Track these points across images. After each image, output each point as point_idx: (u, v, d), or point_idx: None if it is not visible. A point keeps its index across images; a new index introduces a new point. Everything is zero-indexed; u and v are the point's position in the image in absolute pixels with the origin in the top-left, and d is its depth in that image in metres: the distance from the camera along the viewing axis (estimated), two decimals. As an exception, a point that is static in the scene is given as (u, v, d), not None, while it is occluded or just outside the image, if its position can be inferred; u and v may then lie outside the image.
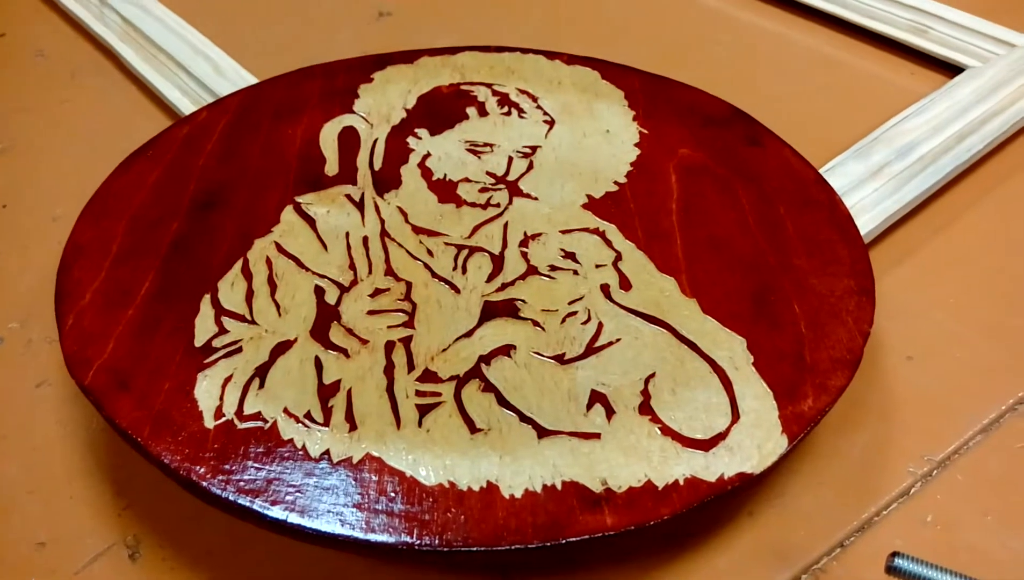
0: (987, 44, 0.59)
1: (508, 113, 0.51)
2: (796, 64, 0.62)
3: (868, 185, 0.49)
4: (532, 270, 0.42)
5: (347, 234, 0.44)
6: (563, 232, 0.44)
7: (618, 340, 0.39)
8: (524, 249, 0.43)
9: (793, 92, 0.59)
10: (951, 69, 0.59)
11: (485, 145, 0.49)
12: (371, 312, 0.40)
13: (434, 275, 0.42)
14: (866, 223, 0.47)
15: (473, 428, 0.35)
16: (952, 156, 0.51)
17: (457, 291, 0.41)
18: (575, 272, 0.42)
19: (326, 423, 0.35)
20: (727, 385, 0.37)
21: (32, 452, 0.41)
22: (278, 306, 0.40)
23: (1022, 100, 0.54)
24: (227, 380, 0.37)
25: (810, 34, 0.64)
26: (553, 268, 0.42)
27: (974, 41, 0.59)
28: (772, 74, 0.61)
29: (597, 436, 0.35)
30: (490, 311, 0.40)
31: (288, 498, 0.33)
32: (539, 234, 0.44)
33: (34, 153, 0.58)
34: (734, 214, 0.45)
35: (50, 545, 0.38)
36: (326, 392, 0.37)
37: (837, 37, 0.64)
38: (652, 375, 0.37)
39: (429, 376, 0.37)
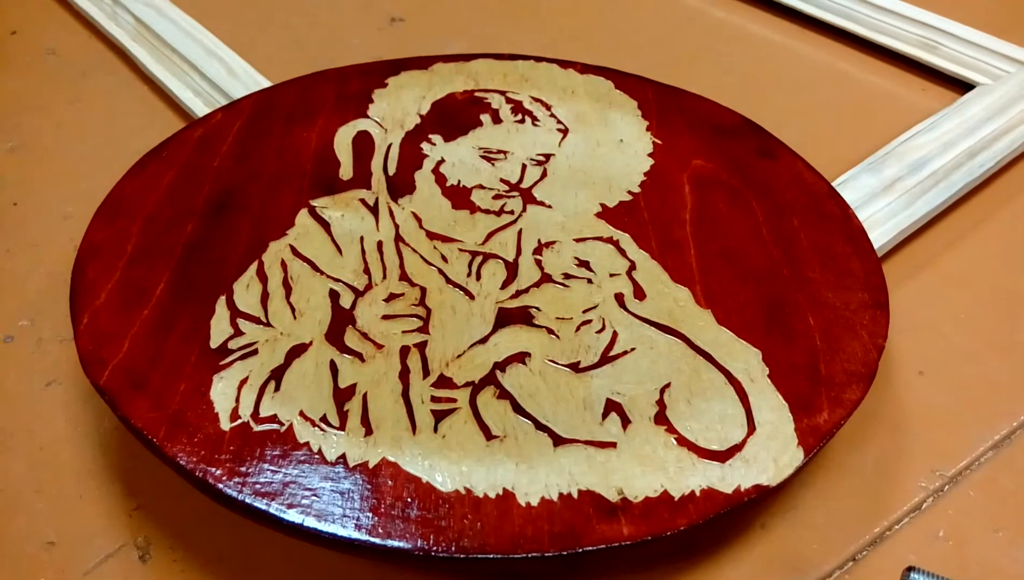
0: (998, 62, 0.59)
1: (522, 121, 0.51)
2: (808, 78, 0.62)
3: (881, 199, 0.49)
4: (546, 278, 0.42)
5: (361, 238, 0.44)
6: (577, 240, 0.44)
7: (633, 349, 0.39)
8: (538, 257, 0.43)
9: (805, 106, 0.60)
10: (962, 86, 0.59)
11: (499, 152, 0.49)
12: (386, 317, 0.40)
13: (448, 281, 0.42)
14: (879, 237, 0.47)
15: (489, 435, 0.35)
16: (963, 172, 0.51)
17: (471, 297, 0.41)
18: (589, 281, 0.42)
19: (342, 427, 0.35)
20: (743, 397, 0.37)
21: (41, 451, 0.41)
22: (293, 309, 0.40)
23: (1033, 118, 0.55)
24: (243, 382, 0.37)
25: (822, 49, 0.65)
26: (567, 276, 0.42)
27: (985, 58, 0.59)
28: (784, 88, 0.61)
29: (613, 445, 0.35)
30: (504, 318, 0.40)
31: (304, 502, 0.33)
32: (553, 242, 0.44)
33: (45, 152, 0.58)
34: (748, 226, 0.45)
35: (59, 545, 0.38)
36: (342, 396, 0.37)
37: (849, 52, 0.64)
38: (667, 385, 0.37)
39: (444, 382, 0.37)
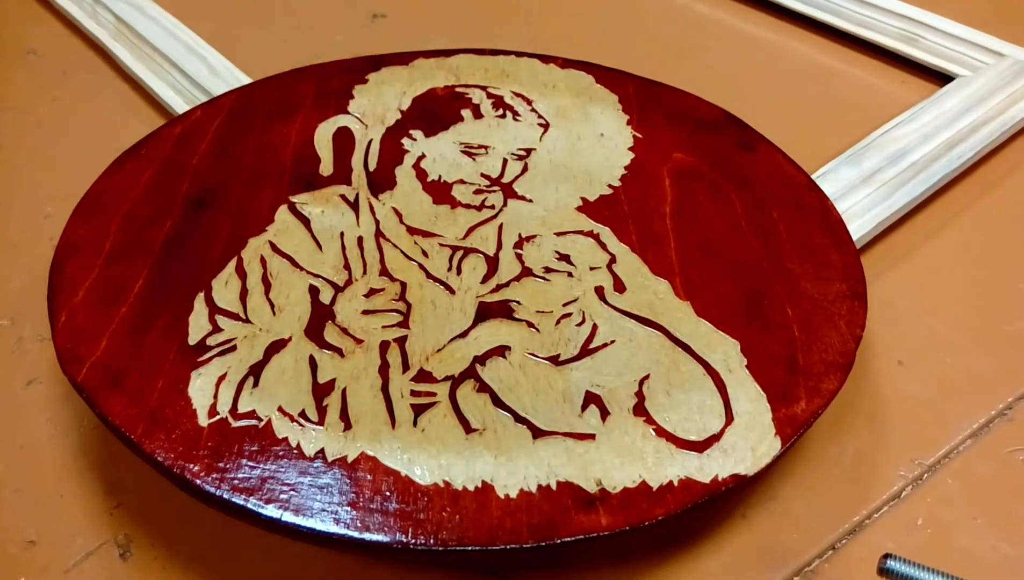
0: (977, 53, 0.59)
1: (503, 116, 0.51)
2: (788, 71, 0.63)
3: (860, 191, 0.49)
4: (527, 272, 0.42)
5: (342, 234, 0.44)
6: (557, 234, 0.44)
7: (612, 342, 0.39)
8: (519, 251, 0.43)
9: (785, 99, 0.60)
10: (941, 78, 0.59)
11: (480, 147, 0.49)
12: (366, 312, 0.40)
13: (429, 276, 0.42)
14: (858, 228, 0.47)
15: (468, 428, 0.35)
16: (942, 163, 0.51)
17: (452, 292, 0.41)
18: (569, 274, 0.42)
19: (321, 422, 0.35)
20: (721, 387, 0.37)
21: (21, 450, 0.41)
22: (272, 305, 0.40)
23: (1011, 109, 0.55)
24: (221, 378, 0.37)
25: (803, 42, 0.65)
26: (548, 270, 0.42)
27: (964, 50, 0.60)
28: (765, 81, 0.62)
29: (592, 437, 0.35)
30: (485, 312, 0.40)
31: (283, 497, 0.33)
32: (533, 236, 0.44)
33: (26, 151, 0.57)
34: (727, 218, 0.45)
35: (40, 544, 0.38)
36: (321, 391, 0.36)
37: (829, 45, 0.64)
38: (646, 377, 0.37)
39: (424, 376, 0.37)
